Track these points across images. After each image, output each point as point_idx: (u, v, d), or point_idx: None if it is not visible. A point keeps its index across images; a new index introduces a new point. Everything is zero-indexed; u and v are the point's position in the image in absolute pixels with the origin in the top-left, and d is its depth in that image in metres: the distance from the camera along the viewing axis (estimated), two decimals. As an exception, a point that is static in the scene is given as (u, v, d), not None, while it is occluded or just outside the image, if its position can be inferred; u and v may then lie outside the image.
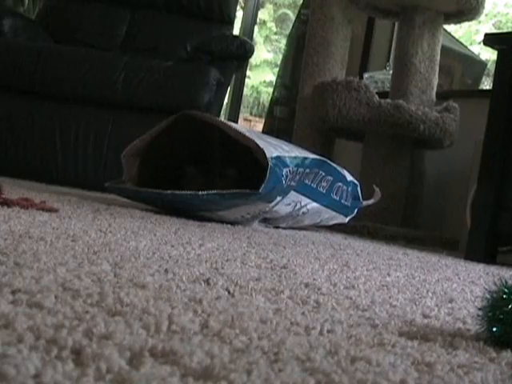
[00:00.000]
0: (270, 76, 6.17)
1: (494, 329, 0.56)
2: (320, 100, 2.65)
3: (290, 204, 1.79)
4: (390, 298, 0.78)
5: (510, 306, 0.56)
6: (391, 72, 2.94)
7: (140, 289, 0.58)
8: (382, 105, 2.54)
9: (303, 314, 0.59)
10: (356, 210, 2.11)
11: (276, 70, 4.59)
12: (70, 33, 3.17)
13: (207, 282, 0.68)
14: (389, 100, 2.58)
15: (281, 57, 4.50)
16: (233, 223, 1.73)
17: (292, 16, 5.50)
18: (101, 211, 1.45)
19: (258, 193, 1.60)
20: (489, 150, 1.89)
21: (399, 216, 2.68)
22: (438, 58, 2.77)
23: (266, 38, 6.61)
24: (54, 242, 0.81)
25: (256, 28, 4.59)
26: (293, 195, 1.77)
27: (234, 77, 3.36)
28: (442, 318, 0.68)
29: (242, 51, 2.91)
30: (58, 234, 0.89)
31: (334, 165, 1.93)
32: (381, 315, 0.65)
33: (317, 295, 0.71)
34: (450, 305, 0.79)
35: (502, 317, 0.56)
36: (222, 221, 1.72)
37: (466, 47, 3.71)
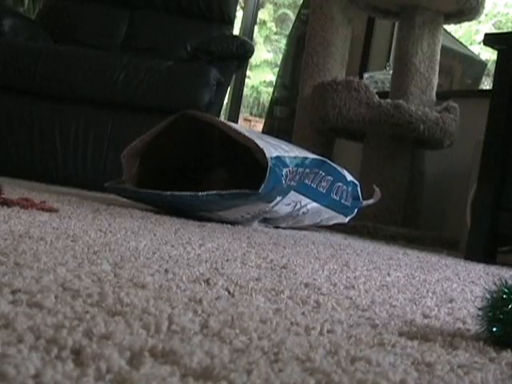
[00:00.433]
0: (270, 76, 6.17)
1: (494, 329, 0.56)
2: (320, 100, 2.65)
3: (289, 204, 1.80)
4: (389, 298, 0.78)
5: (510, 306, 0.56)
6: (391, 72, 2.95)
7: (140, 289, 0.58)
8: (382, 105, 2.54)
9: (303, 314, 0.59)
10: (356, 210, 2.11)
11: (276, 70, 4.59)
12: (70, 33, 3.17)
13: (207, 282, 0.68)
14: (389, 100, 2.58)
15: (281, 57, 4.50)
16: (233, 223, 1.73)
17: (292, 16, 5.50)
18: (101, 211, 1.45)
19: (257, 193, 1.60)
20: (489, 150, 1.89)
21: (399, 216, 2.68)
22: (438, 58, 2.77)
23: (266, 38, 6.61)
24: (54, 242, 0.81)
25: (256, 28, 4.59)
26: (293, 195, 1.77)
27: (234, 77, 3.36)
28: (442, 318, 0.68)
29: (242, 51, 2.91)
30: (58, 234, 0.89)
31: (334, 165, 1.93)
32: (381, 315, 0.65)
33: (317, 295, 0.71)
34: (450, 305, 0.79)
35: (502, 317, 0.56)
36: (221, 221, 1.72)
37: (466, 47, 3.71)
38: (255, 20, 4.39)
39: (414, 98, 2.69)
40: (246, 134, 1.70)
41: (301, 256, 1.14)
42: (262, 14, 6.15)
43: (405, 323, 0.62)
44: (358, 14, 3.13)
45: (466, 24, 3.26)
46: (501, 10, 4.08)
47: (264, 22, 6.42)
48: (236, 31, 3.75)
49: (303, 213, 1.88)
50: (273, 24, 6.56)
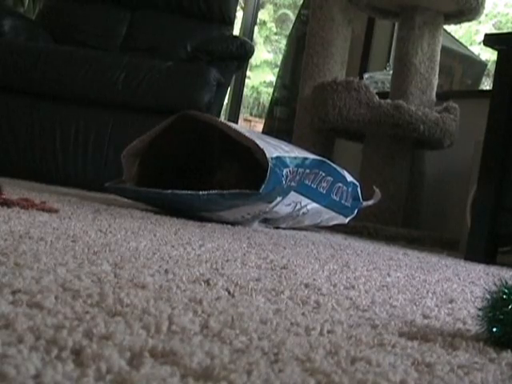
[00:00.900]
0: (270, 76, 6.17)
1: (494, 329, 0.56)
2: (320, 100, 2.65)
3: (290, 204, 1.80)
4: (390, 298, 0.78)
5: (510, 307, 0.56)
6: (391, 72, 2.95)
7: (140, 289, 0.58)
8: (382, 105, 2.54)
9: (303, 314, 0.59)
10: (356, 211, 2.11)
11: (276, 70, 4.59)
12: (70, 33, 3.17)
13: (207, 282, 0.68)
14: (389, 100, 2.58)
15: (281, 57, 4.50)
16: (233, 223, 1.73)
17: (292, 16, 5.50)
18: (101, 211, 1.45)
19: (258, 193, 1.60)
20: (489, 150, 1.89)
21: (399, 216, 2.68)
22: (438, 58, 2.77)
23: (266, 39, 6.61)
24: (54, 242, 0.81)
25: (256, 28, 4.60)
26: (293, 195, 1.77)
27: (234, 77, 3.36)
28: (442, 319, 0.68)
29: (242, 51, 2.91)
30: (58, 235, 0.89)
31: (334, 165, 1.93)
32: (381, 316, 0.65)
33: (317, 296, 0.71)
34: (450, 305, 0.79)
35: (502, 317, 0.56)
36: (222, 221, 1.72)
37: (465, 47, 3.71)
38: (255, 20, 4.39)
39: (414, 98, 2.69)
40: (246, 134, 1.70)
41: (301, 256, 1.14)
42: (262, 15, 6.16)
43: (405, 324, 0.62)
44: (358, 15, 3.13)
45: (466, 24, 3.26)
46: (501, 10, 4.08)
47: (264, 23, 6.42)
48: (236, 31, 3.75)
49: (303, 213, 1.88)
50: (273, 24, 6.56)
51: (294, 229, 2.00)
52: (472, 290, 1.00)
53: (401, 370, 0.44)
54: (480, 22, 3.89)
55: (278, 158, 1.65)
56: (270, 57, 6.54)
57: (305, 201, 1.84)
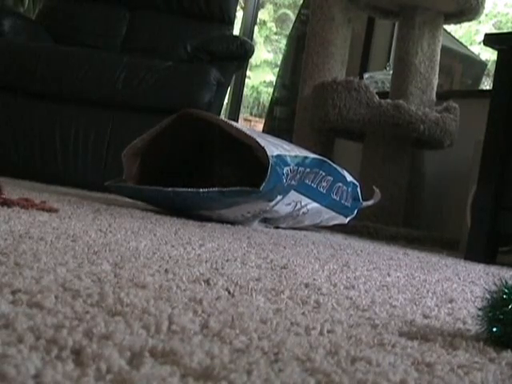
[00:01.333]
0: (270, 76, 6.17)
1: (494, 329, 0.56)
2: (320, 100, 2.65)
3: (290, 204, 1.80)
4: (390, 298, 0.78)
5: (510, 306, 0.56)
6: (391, 72, 2.95)
7: (140, 289, 0.58)
8: (382, 105, 2.54)
9: (303, 314, 0.59)
10: (356, 211, 2.11)
11: (276, 70, 4.59)
12: (70, 33, 3.17)
13: (207, 282, 0.68)
14: (389, 100, 2.58)
15: (281, 57, 4.50)
16: (233, 223, 1.73)
17: (292, 16, 5.50)
18: (101, 211, 1.45)
19: (258, 191, 1.59)
20: (489, 150, 1.89)
21: (399, 216, 2.68)
22: (438, 58, 2.77)
23: (266, 38, 6.61)
24: (54, 242, 0.81)
25: (256, 28, 4.59)
26: (293, 195, 1.77)
27: (234, 77, 3.36)
28: (442, 318, 0.68)
29: (242, 51, 2.91)
30: (58, 234, 0.89)
31: (334, 165, 1.93)
32: (381, 315, 0.65)
33: (317, 295, 0.71)
34: (450, 305, 0.79)
35: (502, 317, 0.56)
36: (222, 221, 1.72)
37: (466, 47, 3.71)
38: (255, 20, 4.39)
39: (414, 98, 2.69)
40: (247, 132, 1.70)
41: (301, 256, 1.14)
42: (262, 14, 6.16)
43: (405, 323, 0.62)
44: (358, 14, 3.13)
45: (466, 24, 3.26)
46: (501, 10, 4.08)
47: (264, 22, 6.42)
48: (236, 31, 3.75)
49: (303, 213, 1.88)
50: (273, 24, 6.56)
51: (294, 229, 2.00)
52: (472, 290, 1.00)
53: (401, 369, 0.44)
54: (480, 22, 3.89)
55: (278, 156, 1.65)
56: (270, 57, 6.54)
57: (305, 200, 1.84)
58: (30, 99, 2.74)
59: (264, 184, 1.59)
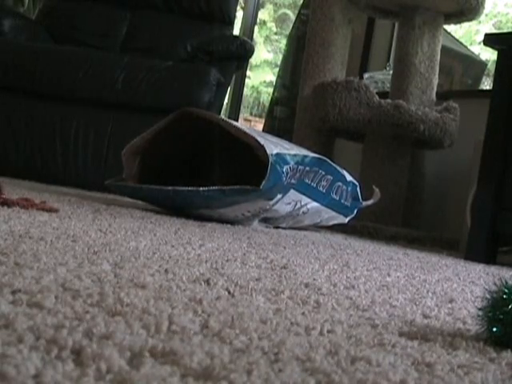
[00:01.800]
0: (270, 76, 6.17)
1: (494, 329, 0.56)
2: (320, 100, 2.65)
3: (290, 203, 1.79)
4: (390, 298, 0.78)
5: (510, 306, 0.56)
6: (391, 72, 2.95)
7: (140, 289, 0.58)
8: (382, 105, 2.54)
9: (303, 314, 0.59)
10: (356, 211, 2.11)
11: (276, 70, 4.59)
12: (70, 33, 3.17)
13: (207, 282, 0.68)
14: (389, 100, 2.58)
15: (281, 57, 4.50)
16: (233, 223, 1.73)
17: (292, 16, 5.50)
18: (101, 211, 1.45)
19: (258, 189, 1.59)
20: (489, 150, 1.89)
21: (399, 216, 2.68)
22: (438, 58, 2.77)
23: (266, 38, 6.61)
24: (54, 242, 0.81)
25: (256, 28, 4.59)
26: (293, 194, 1.77)
27: (234, 77, 3.36)
28: (442, 318, 0.68)
29: (242, 51, 2.91)
30: (58, 234, 0.89)
31: (334, 164, 1.93)
32: (381, 315, 0.65)
33: (317, 295, 0.71)
34: (450, 305, 0.79)
35: (502, 317, 0.56)
36: (222, 220, 1.72)
37: (466, 47, 3.71)
38: (255, 20, 4.39)
39: (414, 98, 2.69)
40: (247, 131, 1.70)
41: (301, 256, 1.14)
42: (262, 14, 6.15)
43: (405, 323, 0.62)
44: (358, 14, 3.13)
45: (466, 24, 3.26)
46: (501, 10, 4.08)
47: (264, 22, 6.42)
48: (236, 31, 3.75)
49: (303, 212, 1.88)
50: (273, 24, 6.56)
51: (293, 228, 2.00)
52: (472, 290, 1.00)
53: (401, 369, 0.44)
54: (480, 22, 3.89)
55: (278, 154, 1.65)
56: (270, 57, 6.54)
57: (305, 200, 1.84)
58: (30, 99, 2.74)
59: (264, 182, 1.59)
